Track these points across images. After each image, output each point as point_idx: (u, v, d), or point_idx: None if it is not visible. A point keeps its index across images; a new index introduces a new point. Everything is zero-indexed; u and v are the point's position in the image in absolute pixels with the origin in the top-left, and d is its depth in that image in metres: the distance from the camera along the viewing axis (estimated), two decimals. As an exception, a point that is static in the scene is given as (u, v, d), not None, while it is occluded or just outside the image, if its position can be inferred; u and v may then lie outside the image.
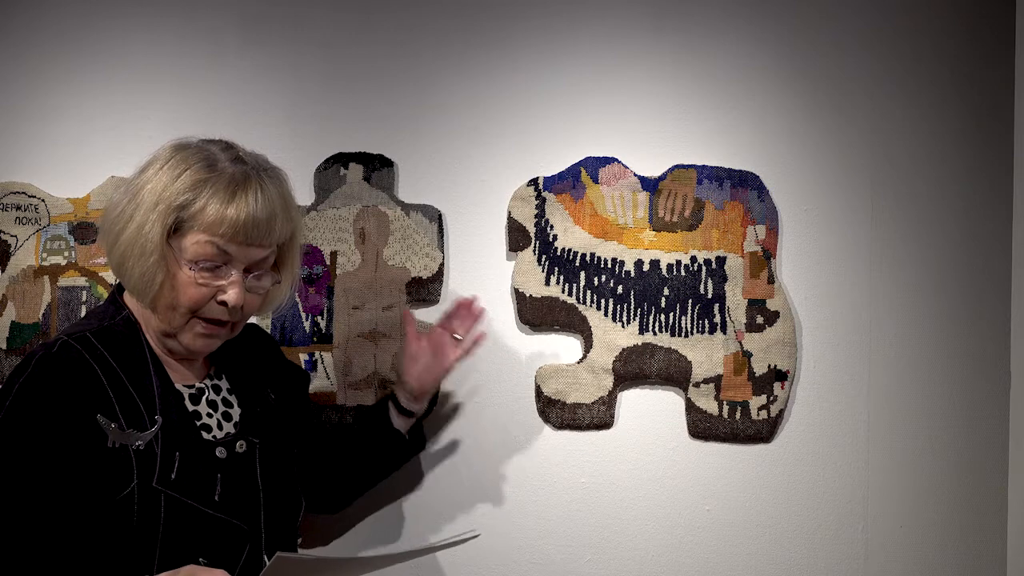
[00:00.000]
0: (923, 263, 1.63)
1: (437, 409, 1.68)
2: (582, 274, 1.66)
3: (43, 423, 1.10)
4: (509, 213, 1.68)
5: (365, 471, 1.55)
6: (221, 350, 1.30)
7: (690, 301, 1.64)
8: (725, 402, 1.62)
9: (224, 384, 1.31)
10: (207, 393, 1.28)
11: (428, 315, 1.68)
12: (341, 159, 1.71)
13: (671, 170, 1.65)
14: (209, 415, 1.26)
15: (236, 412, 1.29)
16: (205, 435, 1.23)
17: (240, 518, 1.22)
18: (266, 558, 1.25)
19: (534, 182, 1.67)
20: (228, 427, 1.27)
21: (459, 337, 1.52)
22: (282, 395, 1.40)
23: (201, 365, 1.30)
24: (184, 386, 1.25)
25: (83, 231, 1.76)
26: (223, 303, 1.21)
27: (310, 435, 1.49)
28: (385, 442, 1.51)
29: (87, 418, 1.13)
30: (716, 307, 1.63)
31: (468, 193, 1.70)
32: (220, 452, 1.23)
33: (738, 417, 1.62)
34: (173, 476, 1.16)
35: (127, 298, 1.26)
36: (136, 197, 1.18)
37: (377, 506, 1.69)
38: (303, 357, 1.69)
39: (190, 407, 1.24)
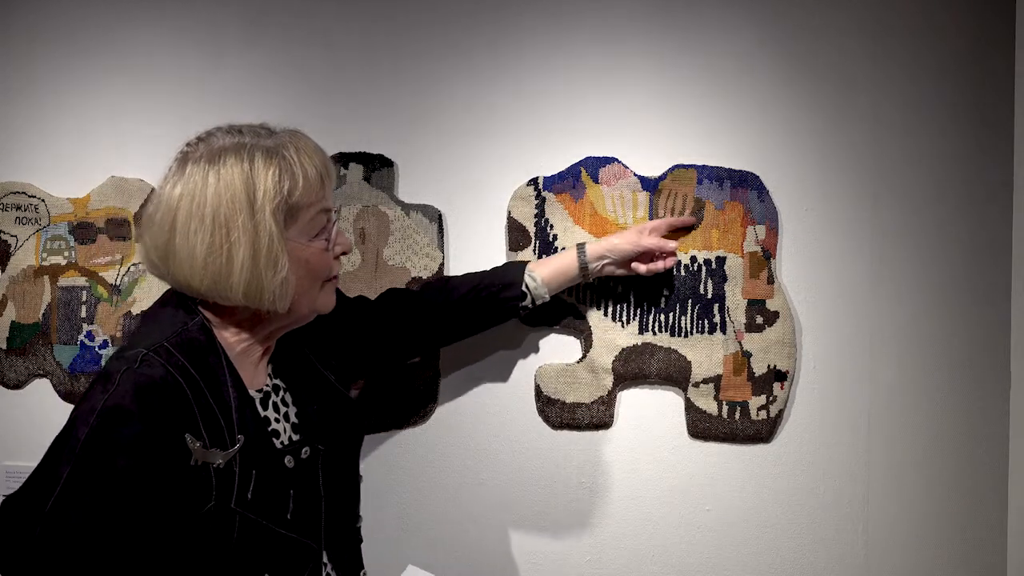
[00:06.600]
0: (923, 263, 1.63)
1: (437, 406, 1.69)
2: (582, 274, 1.66)
3: (131, 445, 1.05)
4: (509, 213, 1.68)
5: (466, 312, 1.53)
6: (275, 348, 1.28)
7: (690, 301, 1.64)
8: (724, 402, 1.62)
9: (280, 383, 1.28)
10: (272, 396, 1.24)
11: (428, 315, 1.69)
12: (341, 159, 1.71)
13: (671, 170, 1.65)
14: (276, 420, 1.23)
15: (293, 412, 1.26)
16: (275, 442, 1.20)
17: (308, 535, 1.20)
18: (326, 570, 1.24)
19: (534, 182, 1.67)
20: (290, 430, 1.24)
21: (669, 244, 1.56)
22: (340, 350, 1.39)
23: (265, 365, 1.26)
24: (255, 391, 1.22)
25: (83, 231, 1.76)
26: (341, 254, 1.23)
27: (383, 306, 1.52)
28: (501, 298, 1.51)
29: (174, 437, 1.08)
30: (716, 307, 1.63)
31: (468, 193, 1.70)
32: (288, 461, 1.20)
33: (737, 417, 1.62)
34: (249, 496, 1.13)
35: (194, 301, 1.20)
36: (222, 227, 1.11)
37: (377, 505, 1.69)
38: (303, 357, 1.69)
39: (260, 412, 1.20)
